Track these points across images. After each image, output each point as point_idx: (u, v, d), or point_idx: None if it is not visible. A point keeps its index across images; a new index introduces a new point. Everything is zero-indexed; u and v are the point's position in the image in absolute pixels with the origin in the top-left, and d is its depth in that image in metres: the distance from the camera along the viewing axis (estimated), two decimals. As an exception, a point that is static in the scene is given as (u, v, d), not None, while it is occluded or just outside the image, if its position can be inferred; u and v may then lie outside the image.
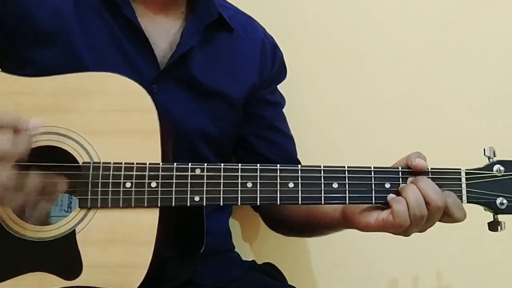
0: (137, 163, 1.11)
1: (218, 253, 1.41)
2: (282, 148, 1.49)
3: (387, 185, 1.11)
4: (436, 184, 1.10)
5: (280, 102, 1.52)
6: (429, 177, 1.11)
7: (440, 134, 1.66)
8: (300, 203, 1.11)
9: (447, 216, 1.10)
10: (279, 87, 1.52)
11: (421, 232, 1.12)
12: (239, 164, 1.12)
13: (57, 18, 1.25)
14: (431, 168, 1.12)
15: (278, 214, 1.45)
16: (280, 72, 1.51)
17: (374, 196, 1.11)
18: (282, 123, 1.52)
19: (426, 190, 1.08)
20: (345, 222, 1.20)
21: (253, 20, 1.50)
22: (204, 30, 1.32)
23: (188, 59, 1.31)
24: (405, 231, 1.11)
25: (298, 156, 1.52)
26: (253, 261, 1.52)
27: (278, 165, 1.12)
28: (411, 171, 1.12)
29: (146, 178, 1.10)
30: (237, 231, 1.67)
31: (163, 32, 1.32)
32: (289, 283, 1.40)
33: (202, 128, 1.34)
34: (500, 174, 1.11)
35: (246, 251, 1.61)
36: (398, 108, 1.69)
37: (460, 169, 1.12)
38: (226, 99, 1.36)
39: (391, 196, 1.11)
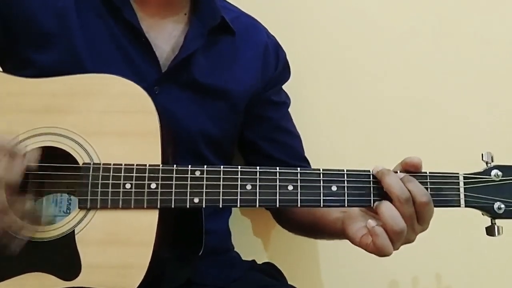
0: (137, 165, 1.11)
1: (218, 252, 1.41)
2: (291, 148, 1.49)
3: (386, 189, 1.11)
4: (435, 187, 1.11)
5: (285, 101, 1.52)
6: (427, 181, 1.11)
7: (439, 139, 1.67)
8: (299, 205, 1.12)
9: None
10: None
11: (422, 231, 1.12)
12: (239, 166, 1.12)
13: (59, 20, 1.25)
14: (429, 172, 1.12)
15: (287, 216, 1.47)
16: (284, 72, 1.51)
17: (373, 200, 1.11)
18: (288, 122, 1.52)
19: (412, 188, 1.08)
20: (343, 233, 1.20)
21: (256, 21, 1.50)
22: (207, 33, 1.32)
23: (190, 62, 1.31)
24: (394, 247, 1.10)
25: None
26: (253, 260, 1.52)
27: (278, 168, 1.12)
28: (410, 175, 1.11)
29: (146, 180, 1.11)
30: (238, 231, 1.66)
31: (165, 34, 1.32)
32: (289, 282, 1.40)
33: (204, 130, 1.34)
34: (498, 179, 1.11)
35: (246, 251, 1.61)
36: (398, 112, 1.69)
37: (458, 173, 1.12)
38: (228, 101, 1.36)
39: (369, 224, 1.11)
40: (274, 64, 1.46)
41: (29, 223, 1.07)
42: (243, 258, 1.51)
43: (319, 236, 1.45)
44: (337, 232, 1.24)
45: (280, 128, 1.48)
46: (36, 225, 1.09)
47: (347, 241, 1.18)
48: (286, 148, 1.48)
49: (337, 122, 1.71)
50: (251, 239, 1.72)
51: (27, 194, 1.09)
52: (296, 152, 1.50)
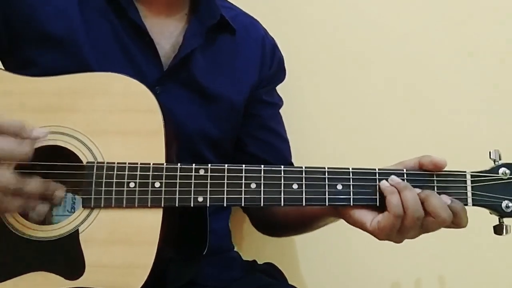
0: (141, 163, 1.10)
1: (219, 252, 1.41)
2: (275, 149, 1.47)
3: (392, 187, 1.11)
4: (442, 186, 1.10)
5: (277, 103, 1.51)
6: (433, 179, 1.11)
7: (445, 137, 1.66)
8: (304, 204, 1.11)
9: (454, 225, 1.09)
10: (278, 88, 1.51)
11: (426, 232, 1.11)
12: (243, 165, 1.12)
13: (62, 20, 1.24)
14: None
15: (266, 213, 1.43)
16: (279, 73, 1.50)
17: (379, 198, 1.11)
18: (278, 124, 1.51)
19: (434, 205, 1.06)
20: (336, 212, 1.17)
21: (254, 20, 1.50)
22: (206, 32, 1.32)
23: (190, 61, 1.30)
24: (399, 232, 1.09)
25: (300, 158, 1.51)
26: (254, 261, 1.52)
27: (282, 166, 1.12)
28: (416, 173, 1.11)
29: (150, 178, 1.10)
30: (238, 231, 1.67)
31: (166, 33, 1.32)
32: (290, 283, 1.40)
33: (204, 130, 1.33)
34: (505, 177, 1.11)
35: (246, 251, 1.61)
36: (402, 110, 1.69)
37: (465, 171, 1.12)
38: (228, 102, 1.36)
39: (384, 184, 1.10)
40: (269, 63, 1.45)
41: (41, 202, 1.06)
42: (243, 258, 1.51)
43: (305, 226, 1.40)
44: (331, 214, 1.22)
45: (267, 127, 1.47)
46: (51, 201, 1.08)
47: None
48: (271, 149, 1.46)
49: (337, 120, 1.71)
50: (251, 239, 1.72)
51: None
52: (282, 155, 1.48)
